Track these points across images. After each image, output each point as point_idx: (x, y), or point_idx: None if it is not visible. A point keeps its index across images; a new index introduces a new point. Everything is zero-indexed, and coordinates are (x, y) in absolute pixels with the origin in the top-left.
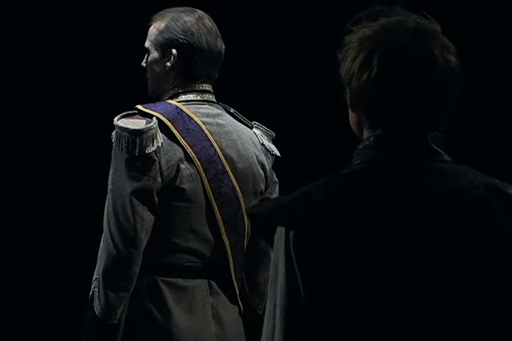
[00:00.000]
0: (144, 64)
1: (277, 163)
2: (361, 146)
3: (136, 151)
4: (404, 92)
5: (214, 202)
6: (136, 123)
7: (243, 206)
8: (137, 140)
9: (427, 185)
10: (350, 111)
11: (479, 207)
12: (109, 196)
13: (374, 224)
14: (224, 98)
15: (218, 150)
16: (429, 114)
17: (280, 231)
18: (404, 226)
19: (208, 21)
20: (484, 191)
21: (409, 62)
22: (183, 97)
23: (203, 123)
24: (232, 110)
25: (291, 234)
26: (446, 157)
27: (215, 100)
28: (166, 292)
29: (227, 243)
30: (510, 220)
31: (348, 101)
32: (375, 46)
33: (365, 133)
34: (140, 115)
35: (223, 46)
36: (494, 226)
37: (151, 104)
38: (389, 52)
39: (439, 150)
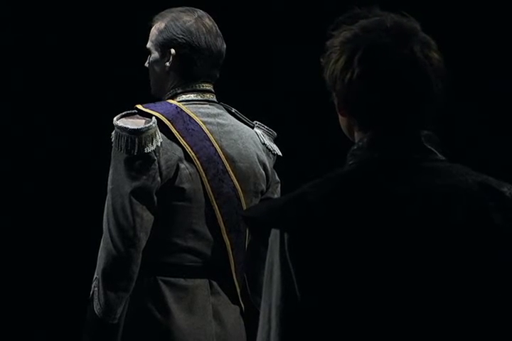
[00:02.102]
0: (146, 65)
1: (279, 163)
2: (355, 147)
3: (135, 151)
4: (386, 91)
5: (214, 202)
6: (135, 123)
7: (244, 206)
8: (136, 139)
9: (421, 184)
10: (339, 115)
11: (473, 205)
12: (108, 196)
13: (368, 225)
14: (225, 98)
15: (219, 150)
16: (415, 111)
17: (274, 234)
18: (399, 226)
19: (208, 21)
20: (478, 189)
21: (389, 61)
22: (183, 97)
23: (203, 122)
24: (233, 110)
25: (286, 236)
26: (440, 156)
27: (215, 100)
28: (167, 292)
29: (227, 243)
30: (504, 218)
31: (336, 105)
32: (355, 47)
33: (357, 135)
34: (139, 115)
35: (224, 46)
36: (488, 225)
37: (151, 104)
38: (369, 52)
39: (433, 149)
